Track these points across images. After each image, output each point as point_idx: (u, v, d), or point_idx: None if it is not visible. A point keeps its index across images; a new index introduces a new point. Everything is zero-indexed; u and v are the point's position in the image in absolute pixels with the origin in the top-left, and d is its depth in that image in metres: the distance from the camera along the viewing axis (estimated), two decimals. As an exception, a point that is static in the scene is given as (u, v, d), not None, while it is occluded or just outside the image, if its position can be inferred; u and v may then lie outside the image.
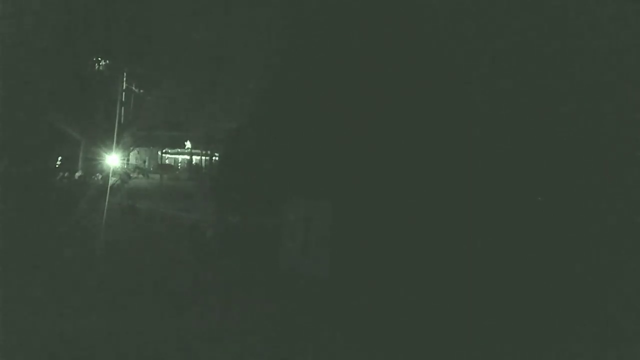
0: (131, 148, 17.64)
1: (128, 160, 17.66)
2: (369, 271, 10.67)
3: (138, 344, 8.60)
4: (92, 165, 13.09)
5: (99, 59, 13.70)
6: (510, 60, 10.95)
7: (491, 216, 10.50)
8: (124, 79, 15.44)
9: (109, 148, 13.18)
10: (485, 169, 10.63)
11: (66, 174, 12.74)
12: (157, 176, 21.14)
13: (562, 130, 10.64)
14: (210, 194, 14.93)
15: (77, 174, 13.00)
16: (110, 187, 12.83)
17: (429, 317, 9.61)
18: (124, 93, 15.46)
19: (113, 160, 13.38)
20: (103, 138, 13.18)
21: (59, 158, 12.79)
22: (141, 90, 16.81)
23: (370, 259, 10.76)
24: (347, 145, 11.33)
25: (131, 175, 13.52)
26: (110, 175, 12.97)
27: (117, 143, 13.39)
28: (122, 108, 14.94)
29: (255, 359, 8.52)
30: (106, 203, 12.57)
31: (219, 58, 15.79)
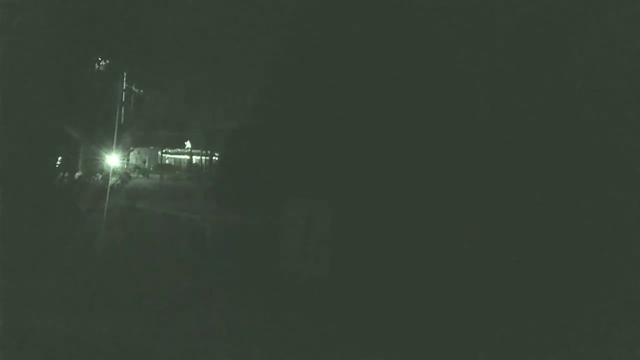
0: (131, 148, 17.62)
1: (128, 160, 17.63)
2: (369, 271, 10.66)
3: (138, 344, 8.60)
4: (92, 165, 13.05)
5: (99, 59, 13.66)
6: (510, 60, 10.94)
7: (492, 216, 10.49)
8: (124, 79, 15.42)
9: (109, 148, 13.15)
10: (486, 168, 10.63)
11: (66, 174, 12.70)
12: (157, 176, 21.15)
13: (562, 130, 10.64)
14: (210, 194, 14.92)
15: (77, 174, 12.96)
16: (110, 187, 12.81)
17: (430, 317, 9.61)
18: (124, 93, 15.44)
19: (113, 160, 13.35)
20: (103, 138, 13.14)
21: (59, 158, 12.75)
22: (141, 90, 16.81)
23: (371, 258, 10.76)
24: (347, 145, 11.32)
25: (131, 175, 13.49)
26: (110, 175, 12.95)
27: (117, 143, 13.35)
28: (122, 108, 14.91)
29: (253, 358, 8.52)
30: (106, 203, 12.56)
31: (219, 58, 15.78)
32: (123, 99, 15.25)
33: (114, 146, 13.23)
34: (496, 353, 8.84)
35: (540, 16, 10.97)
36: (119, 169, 13.52)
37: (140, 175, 14.19)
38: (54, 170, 12.58)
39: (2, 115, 10.65)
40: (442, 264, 10.34)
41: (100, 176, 13.03)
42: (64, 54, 11.79)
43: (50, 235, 11.50)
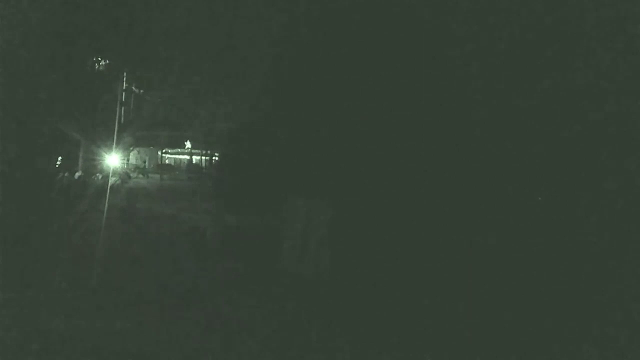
0: (131, 148, 17.63)
1: (128, 160, 17.64)
2: (368, 271, 10.67)
3: (138, 343, 8.61)
4: (92, 165, 13.08)
5: (99, 59, 13.69)
6: (509, 61, 10.95)
7: (490, 216, 10.51)
8: (124, 79, 15.44)
9: (109, 148, 13.18)
10: (484, 168, 10.64)
11: (66, 174, 12.74)
12: (157, 176, 21.17)
13: (561, 130, 10.65)
14: (209, 193, 14.94)
15: (77, 174, 12.99)
16: (110, 187, 12.83)
17: (429, 317, 9.61)
18: (124, 93, 15.46)
19: (113, 160, 13.37)
20: (103, 138, 13.16)
21: (59, 158, 12.79)
22: (141, 90, 16.83)
23: (369, 258, 10.77)
24: (346, 146, 11.33)
25: (131, 175, 13.51)
26: (110, 175, 12.97)
27: (117, 143, 13.38)
28: (122, 108, 14.93)
29: (254, 357, 8.53)
30: (106, 203, 12.58)
31: (219, 58, 15.80)
32: (123, 99, 15.26)
33: (114, 146, 13.25)
34: (496, 353, 8.85)
35: (540, 17, 10.98)
36: (119, 169, 13.54)
37: (140, 175, 14.22)
38: (54, 170, 12.61)
39: (2, 115, 10.67)
40: (441, 263, 10.35)
41: (100, 176, 13.05)
42: (64, 53, 11.81)
43: (50, 235, 11.51)
